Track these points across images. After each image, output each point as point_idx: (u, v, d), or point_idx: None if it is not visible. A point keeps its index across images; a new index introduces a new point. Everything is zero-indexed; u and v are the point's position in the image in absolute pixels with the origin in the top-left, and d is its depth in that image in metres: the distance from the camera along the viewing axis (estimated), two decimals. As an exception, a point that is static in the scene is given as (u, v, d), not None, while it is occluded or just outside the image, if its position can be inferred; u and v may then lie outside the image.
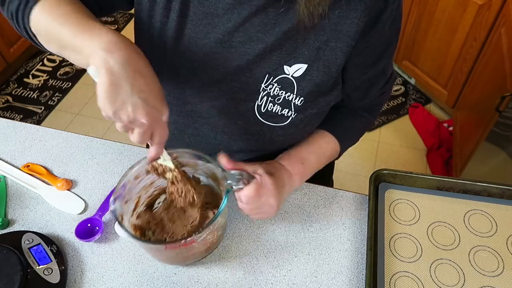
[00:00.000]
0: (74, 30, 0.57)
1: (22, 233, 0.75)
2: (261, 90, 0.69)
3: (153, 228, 0.72)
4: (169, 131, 0.60)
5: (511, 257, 0.72)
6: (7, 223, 0.79)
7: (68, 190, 0.84)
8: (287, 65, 0.67)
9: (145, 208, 0.75)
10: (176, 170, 0.67)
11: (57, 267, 0.71)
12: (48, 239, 0.75)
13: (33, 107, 2.37)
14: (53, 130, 0.95)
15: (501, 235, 0.74)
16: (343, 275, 0.72)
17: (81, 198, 0.83)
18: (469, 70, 1.87)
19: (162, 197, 0.76)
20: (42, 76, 2.56)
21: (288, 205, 0.82)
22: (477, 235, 0.74)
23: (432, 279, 0.69)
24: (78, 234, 0.76)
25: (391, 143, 2.13)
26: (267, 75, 0.68)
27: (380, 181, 0.82)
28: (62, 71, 2.58)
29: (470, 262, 0.71)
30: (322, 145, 0.80)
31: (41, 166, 0.88)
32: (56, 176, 0.86)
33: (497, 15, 1.64)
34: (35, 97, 2.43)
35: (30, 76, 2.56)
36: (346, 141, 0.83)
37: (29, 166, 0.88)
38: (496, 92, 1.51)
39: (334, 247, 0.76)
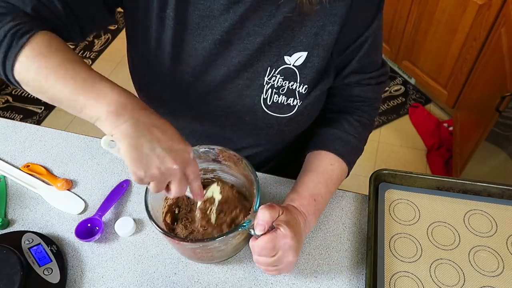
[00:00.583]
0: (74, 87, 0.54)
1: (22, 233, 0.75)
2: (265, 83, 0.70)
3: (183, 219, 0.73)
4: None
5: (511, 257, 0.72)
6: (7, 223, 0.79)
7: (68, 190, 0.84)
8: (287, 55, 0.68)
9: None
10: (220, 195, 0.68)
11: (57, 267, 0.71)
12: (48, 239, 0.75)
13: (33, 107, 2.37)
14: (53, 130, 0.95)
15: (501, 235, 0.74)
16: (343, 275, 0.72)
17: (81, 198, 0.83)
18: (469, 70, 1.87)
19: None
20: (42, 76, 2.55)
21: (288, 205, 0.82)
22: (477, 235, 0.74)
23: (432, 279, 0.69)
24: (78, 234, 0.76)
25: (391, 143, 2.13)
26: (269, 67, 0.69)
27: (380, 181, 0.82)
28: (62, 71, 2.58)
29: (470, 262, 0.71)
30: (327, 168, 0.74)
31: (41, 166, 0.88)
32: (56, 176, 0.86)
33: (497, 15, 1.64)
34: (35, 97, 2.42)
35: (30, 76, 2.56)
36: (349, 154, 0.77)
37: (29, 166, 0.88)
38: (496, 92, 1.51)
39: (334, 247, 0.76)
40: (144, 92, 0.77)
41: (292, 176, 0.84)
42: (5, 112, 2.35)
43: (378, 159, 2.05)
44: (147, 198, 0.64)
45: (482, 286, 0.69)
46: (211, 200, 0.67)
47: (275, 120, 0.73)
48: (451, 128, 2.11)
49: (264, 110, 0.72)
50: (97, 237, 0.76)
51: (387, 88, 2.35)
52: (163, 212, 0.73)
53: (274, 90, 0.70)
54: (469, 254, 0.72)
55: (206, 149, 0.71)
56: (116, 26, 2.87)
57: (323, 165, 0.75)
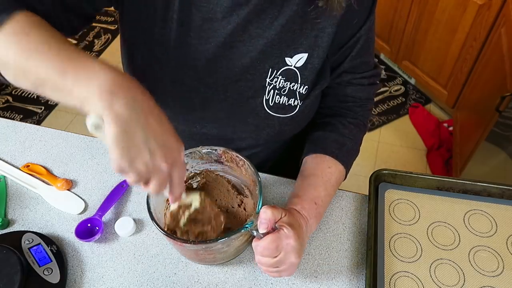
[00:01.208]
0: (61, 65, 0.47)
1: (22, 233, 0.75)
2: (266, 85, 0.70)
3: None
4: None
5: (511, 257, 0.72)
6: (7, 223, 0.79)
7: (68, 190, 0.84)
8: (288, 57, 0.68)
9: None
10: (203, 202, 0.68)
11: (57, 267, 0.71)
12: (48, 239, 0.75)
13: (33, 107, 2.37)
14: (53, 130, 0.95)
15: (501, 235, 0.74)
16: (343, 275, 0.72)
17: (81, 198, 0.83)
18: (469, 70, 1.87)
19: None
20: (42, 76, 2.55)
21: (288, 205, 0.82)
22: (477, 235, 0.74)
23: (432, 279, 0.69)
24: (78, 234, 0.76)
25: (391, 143, 2.13)
26: (271, 69, 0.69)
27: (380, 181, 0.82)
28: (62, 71, 2.58)
29: (470, 262, 0.71)
30: (325, 172, 0.74)
31: (41, 166, 0.88)
32: (56, 176, 0.86)
33: (497, 15, 1.64)
34: (35, 97, 2.42)
35: (30, 76, 2.56)
36: (346, 157, 0.77)
37: (29, 166, 0.88)
38: (496, 92, 1.51)
39: (334, 247, 0.76)
40: None
41: (289, 175, 0.84)
42: (5, 112, 2.35)
43: (378, 159, 2.05)
44: (149, 200, 0.64)
45: (482, 286, 0.69)
46: (187, 206, 0.68)
47: (277, 121, 0.73)
48: (451, 128, 2.11)
49: (267, 111, 0.72)
50: (97, 237, 0.76)
51: (387, 88, 2.35)
52: (164, 214, 0.73)
53: (276, 91, 0.71)
54: (469, 254, 0.72)
55: (209, 150, 0.71)
56: (117, 26, 2.87)
57: (321, 168, 0.74)
